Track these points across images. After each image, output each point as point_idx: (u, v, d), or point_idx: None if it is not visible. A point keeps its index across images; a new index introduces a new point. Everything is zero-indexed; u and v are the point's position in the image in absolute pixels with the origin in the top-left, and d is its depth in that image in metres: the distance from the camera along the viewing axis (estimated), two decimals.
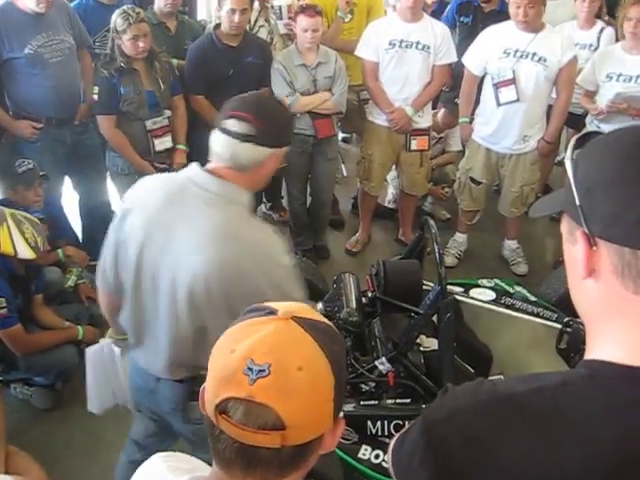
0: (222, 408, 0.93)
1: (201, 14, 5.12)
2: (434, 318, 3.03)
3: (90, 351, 2.40)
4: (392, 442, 1.15)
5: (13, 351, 2.95)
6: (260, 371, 0.91)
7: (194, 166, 1.98)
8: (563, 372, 1.00)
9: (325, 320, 1.05)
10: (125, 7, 3.87)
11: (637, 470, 0.88)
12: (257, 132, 1.87)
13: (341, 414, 1.05)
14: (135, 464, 1.21)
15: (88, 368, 2.40)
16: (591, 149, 0.95)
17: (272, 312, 0.99)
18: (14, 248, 0.64)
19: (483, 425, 0.96)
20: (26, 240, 0.67)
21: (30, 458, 1.52)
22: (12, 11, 3.85)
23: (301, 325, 0.98)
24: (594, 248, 0.90)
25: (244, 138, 1.87)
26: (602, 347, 0.94)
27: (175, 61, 4.27)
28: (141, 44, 3.79)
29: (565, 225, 0.96)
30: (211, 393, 0.96)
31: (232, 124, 1.88)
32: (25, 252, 0.65)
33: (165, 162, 4.09)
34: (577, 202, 0.90)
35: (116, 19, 3.77)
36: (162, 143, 4.03)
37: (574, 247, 0.93)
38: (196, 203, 1.88)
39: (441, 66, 4.53)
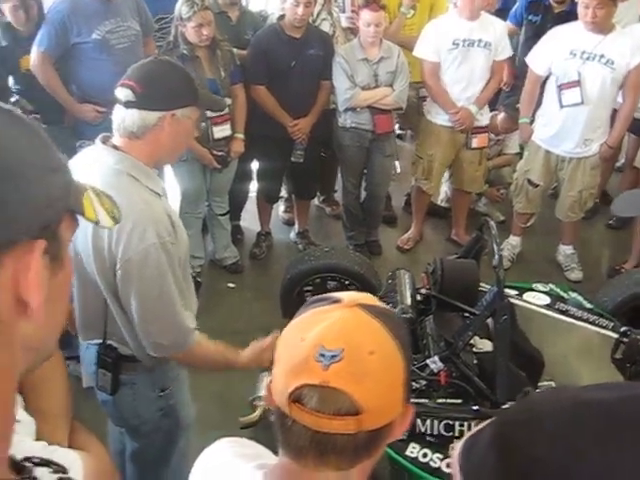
0: (296, 397, 0.93)
1: (259, 5, 5.15)
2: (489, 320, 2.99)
3: None
4: (460, 444, 1.12)
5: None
6: (333, 356, 0.91)
7: (97, 141, 2.01)
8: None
9: (388, 307, 1.05)
10: None
11: None
12: (138, 97, 1.91)
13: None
14: None
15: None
16: None
17: (337, 300, 0.99)
18: (96, 215, 0.66)
19: (567, 430, 0.94)
20: (105, 210, 0.69)
21: (92, 435, 1.54)
22: None
23: (367, 311, 0.97)
24: None
25: (127, 105, 1.92)
26: None
27: (235, 51, 4.29)
28: (205, 32, 3.83)
29: None
30: (282, 383, 0.96)
31: (119, 92, 1.93)
32: (105, 220, 0.67)
33: (223, 150, 4.13)
34: None
35: (181, 7, 3.81)
36: (221, 131, 4.07)
37: None
38: (96, 177, 1.85)
39: (501, 61, 4.54)
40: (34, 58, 3.89)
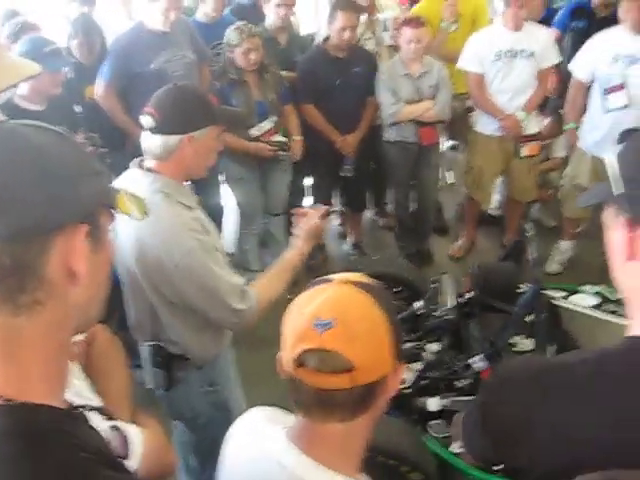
0: (299, 361, 1.10)
1: (309, 28, 5.38)
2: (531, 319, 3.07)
3: None
4: (462, 413, 1.29)
5: None
6: (327, 324, 1.08)
7: (131, 165, 2.21)
8: (607, 346, 1.11)
9: (375, 282, 1.20)
10: (238, 23, 4.15)
11: None
12: (158, 123, 2.08)
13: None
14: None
15: None
16: (635, 143, 1.05)
17: (330, 280, 1.17)
18: (129, 209, 0.82)
19: (532, 391, 1.09)
20: (136, 206, 0.86)
21: (150, 416, 1.74)
22: (141, 31, 4.22)
23: (354, 286, 1.15)
24: (634, 232, 1.00)
25: (151, 131, 2.10)
26: None
27: (284, 73, 4.51)
28: (252, 57, 4.03)
29: (607, 215, 1.07)
30: (288, 351, 1.13)
31: (143, 120, 2.12)
32: (136, 214, 0.83)
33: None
34: (621, 191, 1.00)
35: (230, 34, 4.04)
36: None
37: (616, 232, 1.04)
38: None
39: (545, 69, 4.57)
40: (98, 89, 4.21)
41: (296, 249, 2.39)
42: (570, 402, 1.04)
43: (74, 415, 0.92)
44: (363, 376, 1.09)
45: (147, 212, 1.06)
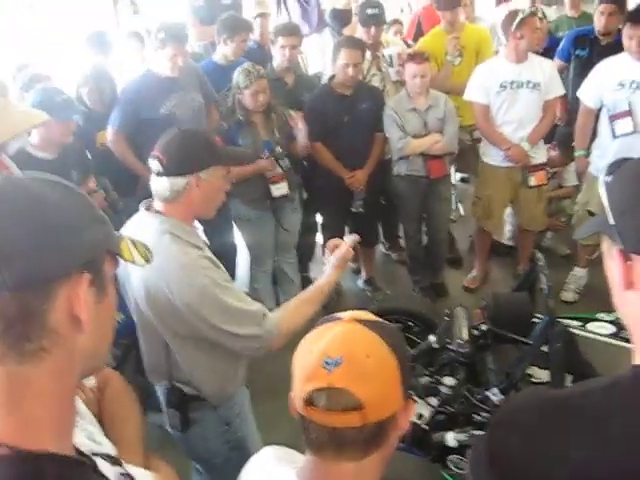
0: (309, 400, 1.11)
1: (316, 67, 5.47)
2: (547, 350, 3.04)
3: None
4: (471, 450, 1.28)
5: None
6: (335, 363, 1.10)
7: (141, 207, 2.27)
8: (613, 376, 1.10)
9: (383, 320, 1.22)
10: (247, 65, 4.22)
11: None
12: (164, 166, 2.14)
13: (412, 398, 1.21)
14: None
15: None
16: (622, 175, 1.06)
17: (338, 318, 1.19)
18: (132, 256, 0.84)
19: (538, 424, 1.08)
20: (139, 253, 0.89)
21: (163, 461, 1.74)
22: (150, 77, 4.31)
23: (363, 324, 1.16)
24: (629, 262, 1.00)
25: (159, 174, 2.15)
26: None
27: (292, 112, 4.56)
28: (260, 98, 4.09)
29: (604, 244, 1.07)
30: (298, 390, 1.14)
31: (151, 163, 2.18)
32: (139, 260, 0.86)
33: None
34: (612, 222, 1.01)
35: (238, 76, 4.10)
36: (278, 189, 4.26)
37: (613, 263, 1.04)
38: (144, 238, 2.07)
39: (552, 100, 4.59)
40: (109, 135, 4.29)
41: (326, 277, 2.40)
42: (576, 437, 1.03)
43: (81, 462, 0.92)
44: (373, 414, 1.10)
45: (150, 259, 1.08)
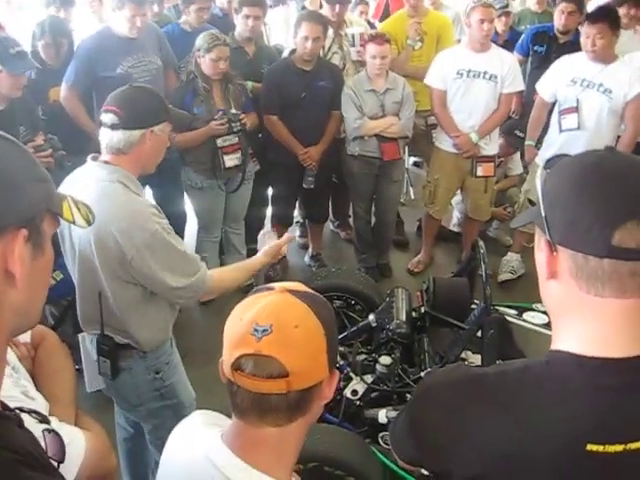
0: (236, 365, 1.13)
1: (278, 39, 5.44)
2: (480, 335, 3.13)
3: (81, 336, 2.62)
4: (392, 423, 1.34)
5: None
6: (264, 330, 1.12)
7: (88, 159, 2.34)
8: (527, 359, 1.16)
9: (314, 292, 1.25)
10: (211, 30, 4.19)
11: (578, 449, 1.01)
12: (121, 119, 2.24)
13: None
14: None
15: (82, 351, 2.62)
16: (557, 170, 1.11)
17: (271, 288, 1.21)
18: (73, 217, 0.84)
19: (454, 399, 1.14)
20: (81, 214, 0.88)
21: (93, 419, 1.76)
22: (108, 35, 4.24)
23: (294, 295, 1.18)
24: (554, 253, 1.06)
25: (113, 127, 2.24)
26: (562, 339, 1.09)
27: (250, 83, 4.53)
28: (221, 65, 4.07)
29: (536, 234, 1.12)
30: (227, 356, 1.16)
31: (105, 117, 2.26)
32: (80, 221, 0.85)
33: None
34: (542, 214, 1.06)
35: (202, 39, 4.07)
36: (231, 160, 4.26)
37: (540, 253, 1.09)
38: (93, 188, 2.20)
39: (508, 94, 4.65)
40: (62, 91, 4.20)
41: (258, 258, 2.60)
42: (487, 414, 1.09)
43: (5, 416, 0.93)
44: (298, 382, 1.12)
45: (92, 220, 1.08)
